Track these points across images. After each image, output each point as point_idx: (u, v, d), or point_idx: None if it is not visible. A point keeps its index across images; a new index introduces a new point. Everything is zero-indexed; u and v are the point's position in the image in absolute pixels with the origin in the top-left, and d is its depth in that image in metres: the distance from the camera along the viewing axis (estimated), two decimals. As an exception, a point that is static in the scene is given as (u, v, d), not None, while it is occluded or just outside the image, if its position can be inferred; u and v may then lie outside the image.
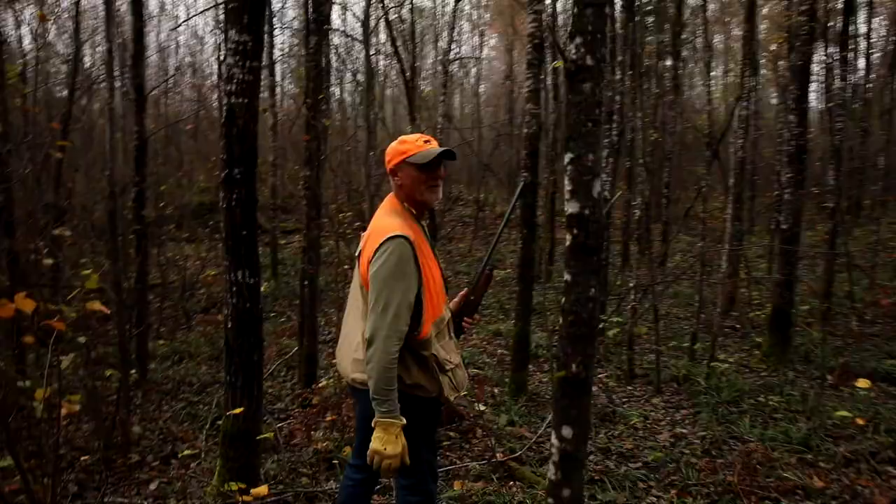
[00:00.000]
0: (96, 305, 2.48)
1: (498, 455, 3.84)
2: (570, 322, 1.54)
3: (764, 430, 4.23)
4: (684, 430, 4.38)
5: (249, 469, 3.15)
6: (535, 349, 6.70)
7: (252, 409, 3.09)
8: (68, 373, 3.58)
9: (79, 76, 6.56)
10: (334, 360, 2.51)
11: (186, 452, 3.68)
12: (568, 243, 1.52)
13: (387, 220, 2.26)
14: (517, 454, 3.89)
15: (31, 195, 7.35)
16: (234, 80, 2.87)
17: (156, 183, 10.16)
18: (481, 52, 19.68)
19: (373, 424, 2.14)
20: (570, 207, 1.46)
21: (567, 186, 1.45)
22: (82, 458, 3.74)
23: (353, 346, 2.32)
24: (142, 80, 5.31)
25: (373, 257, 2.15)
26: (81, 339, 3.35)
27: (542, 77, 4.93)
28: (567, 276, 1.55)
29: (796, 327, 6.37)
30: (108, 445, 3.71)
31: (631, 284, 5.89)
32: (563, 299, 1.54)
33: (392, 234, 2.16)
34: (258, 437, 2.87)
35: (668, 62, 12.38)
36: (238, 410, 2.89)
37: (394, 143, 2.42)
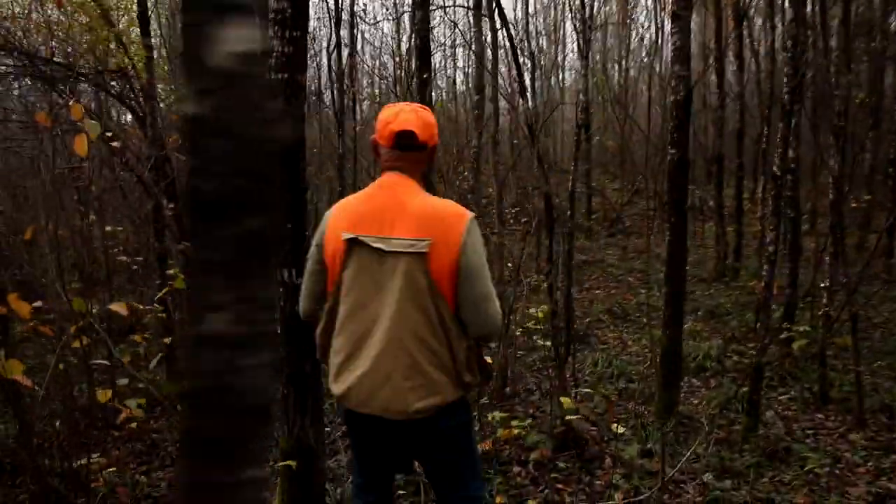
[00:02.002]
0: (117, 307, 2.31)
1: (616, 496, 3.11)
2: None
3: None
4: (894, 487, 3.24)
5: (311, 492, 2.82)
6: (702, 360, 5.68)
7: (307, 426, 2.75)
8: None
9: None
10: (343, 389, 1.96)
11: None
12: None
13: (441, 201, 2.04)
14: (643, 496, 3.12)
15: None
16: (273, 54, 2.54)
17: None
18: (630, 18, 17.34)
19: None
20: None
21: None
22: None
23: (405, 372, 1.87)
24: (341, 101, 5.31)
25: (463, 242, 1.88)
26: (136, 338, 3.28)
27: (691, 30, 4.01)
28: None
29: None
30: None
31: (822, 284, 4.66)
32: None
33: (472, 215, 1.96)
34: (278, 464, 2.51)
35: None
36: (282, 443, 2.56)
37: (429, 114, 2.07)
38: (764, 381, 4.71)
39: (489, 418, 3.73)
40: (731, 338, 6.35)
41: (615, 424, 3.99)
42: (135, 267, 6.32)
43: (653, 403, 4.45)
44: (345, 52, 7.38)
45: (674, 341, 4.35)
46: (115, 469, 3.03)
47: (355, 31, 7.30)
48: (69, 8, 8.74)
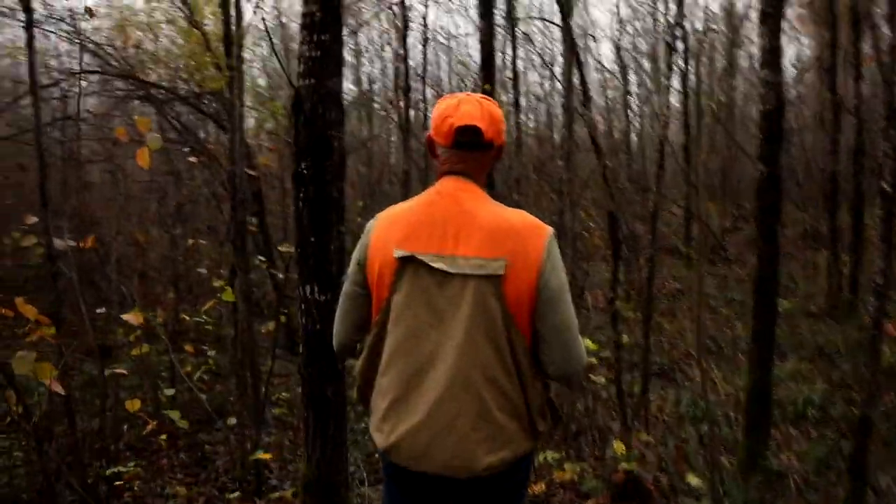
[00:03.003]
0: (129, 316, 2.24)
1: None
2: None
3: None
4: None
5: (333, 524, 2.64)
6: (802, 406, 5.03)
7: (328, 453, 2.57)
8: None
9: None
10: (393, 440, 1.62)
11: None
12: None
13: (515, 212, 1.67)
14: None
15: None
16: (302, 59, 2.44)
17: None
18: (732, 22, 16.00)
19: None
20: None
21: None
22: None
23: (473, 421, 1.54)
24: (406, 114, 5.30)
25: (543, 262, 1.58)
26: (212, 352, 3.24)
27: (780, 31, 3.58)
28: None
29: None
30: (244, 465, 3.56)
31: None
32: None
33: (552, 230, 1.65)
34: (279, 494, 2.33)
35: None
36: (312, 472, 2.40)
37: (495, 106, 1.72)
38: (877, 437, 4.06)
39: (541, 458, 3.41)
40: (839, 382, 5.60)
41: (689, 474, 3.55)
42: (220, 282, 6.48)
43: (738, 453, 3.94)
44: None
45: (762, 384, 3.83)
46: (138, 479, 2.97)
47: (426, 46, 7.29)
48: (175, 35, 9.33)
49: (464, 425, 1.54)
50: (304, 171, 2.43)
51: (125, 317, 2.43)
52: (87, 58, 8.60)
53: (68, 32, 7.07)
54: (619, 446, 2.99)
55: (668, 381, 6.21)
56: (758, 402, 3.84)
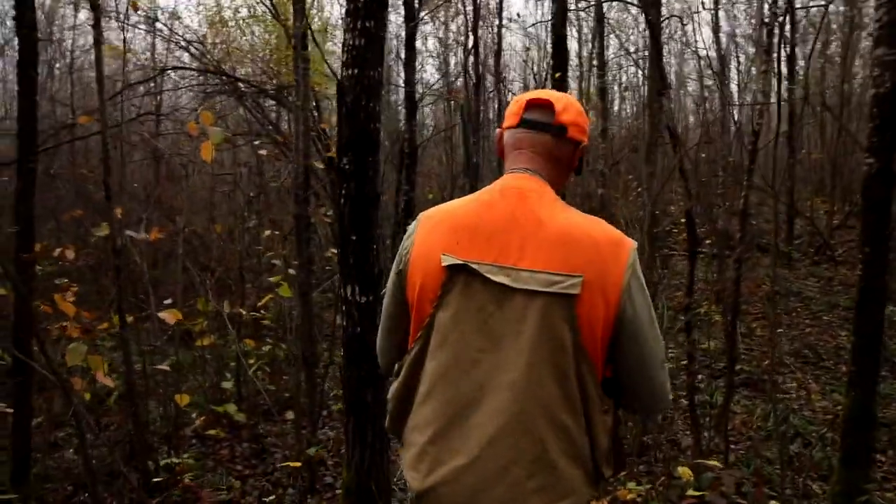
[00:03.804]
0: (165, 314, 2.21)
1: None
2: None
3: None
4: None
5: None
6: (913, 431, 4.47)
7: (367, 459, 2.47)
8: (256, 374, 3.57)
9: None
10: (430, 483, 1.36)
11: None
12: None
13: (591, 219, 1.41)
14: None
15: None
16: (346, 47, 2.32)
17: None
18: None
19: None
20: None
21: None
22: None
23: (529, 466, 1.30)
24: (412, 88, 5.23)
25: (627, 283, 1.33)
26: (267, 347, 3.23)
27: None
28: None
29: None
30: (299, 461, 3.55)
31: None
32: None
33: (635, 244, 1.38)
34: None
35: None
36: (348, 480, 2.31)
37: (578, 103, 1.49)
38: None
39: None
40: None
41: (772, 502, 3.21)
42: (291, 271, 6.58)
43: (831, 482, 3.52)
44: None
45: (864, 403, 3.39)
46: (189, 472, 2.99)
47: (501, 31, 7.05)
48: (261, 31, 9.59)
49: (518, 471, 1.29)
50: (346, 167, 2.33)
51: (162, 315, 2.43)
52: (177, 55, 8.99)
53: (157, 31, 7.38)
54: (684, 472, 2.70)
55: (757, 391, 5.71)
56: (858, 425, 3.40)
